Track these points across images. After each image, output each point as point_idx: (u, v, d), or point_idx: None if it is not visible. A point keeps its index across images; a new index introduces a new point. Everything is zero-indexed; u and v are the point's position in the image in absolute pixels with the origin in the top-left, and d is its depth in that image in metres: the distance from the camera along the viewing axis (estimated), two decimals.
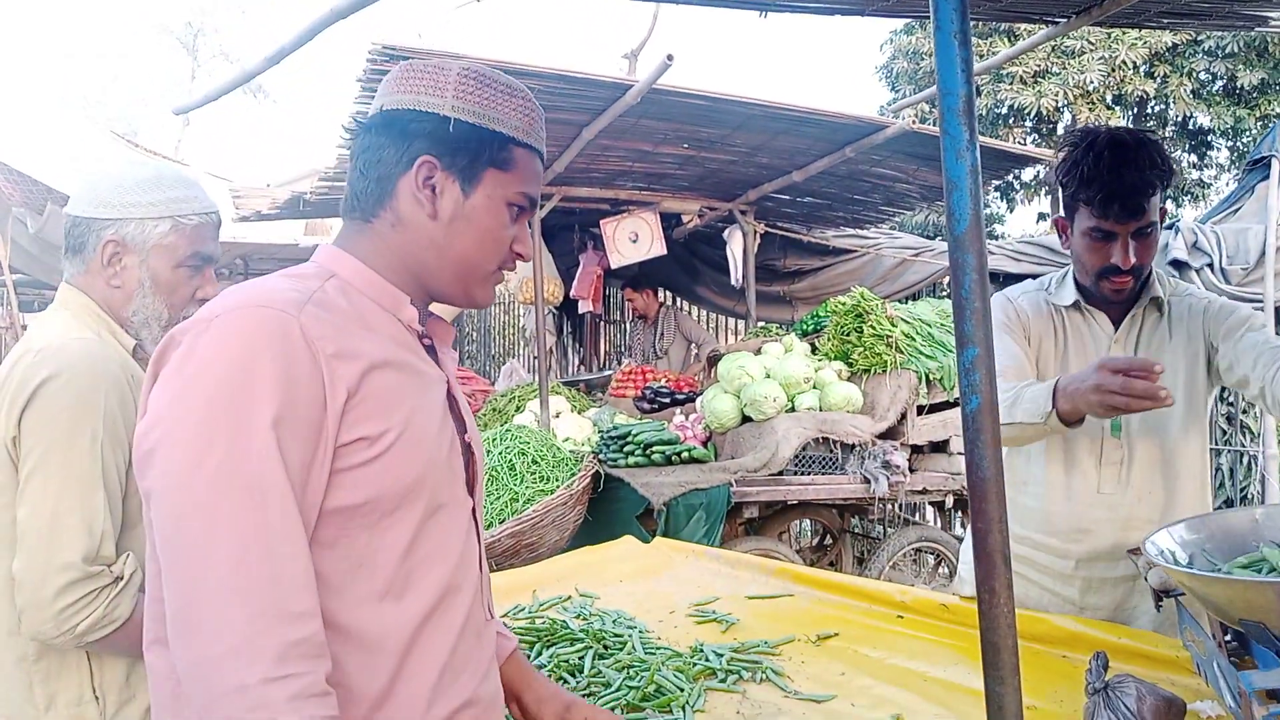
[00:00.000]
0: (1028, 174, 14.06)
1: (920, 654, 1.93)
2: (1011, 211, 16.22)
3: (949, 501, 5.12)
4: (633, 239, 6.75)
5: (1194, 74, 12.65)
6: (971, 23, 1.13)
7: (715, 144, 5.76)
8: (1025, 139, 13.85)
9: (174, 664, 0.98)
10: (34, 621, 1.41)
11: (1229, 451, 5.71)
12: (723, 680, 1.79)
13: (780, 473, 4.62)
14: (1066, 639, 1.90)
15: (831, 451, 4.78)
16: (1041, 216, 16.09)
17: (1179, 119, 13.62)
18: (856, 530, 5.61)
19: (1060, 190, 1.99)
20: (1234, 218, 5.90)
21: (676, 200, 6.94)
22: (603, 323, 9.86)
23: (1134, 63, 12.21)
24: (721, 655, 1.89)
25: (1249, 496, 5.62)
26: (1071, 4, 2.68)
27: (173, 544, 0.97)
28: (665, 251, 6.84)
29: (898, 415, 4.85)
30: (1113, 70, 12.24)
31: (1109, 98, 12.85)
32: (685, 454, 4.84)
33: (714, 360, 5.65)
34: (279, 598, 0.96)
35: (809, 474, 4.72)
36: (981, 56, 8.47)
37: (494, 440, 4.70)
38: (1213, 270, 5.52)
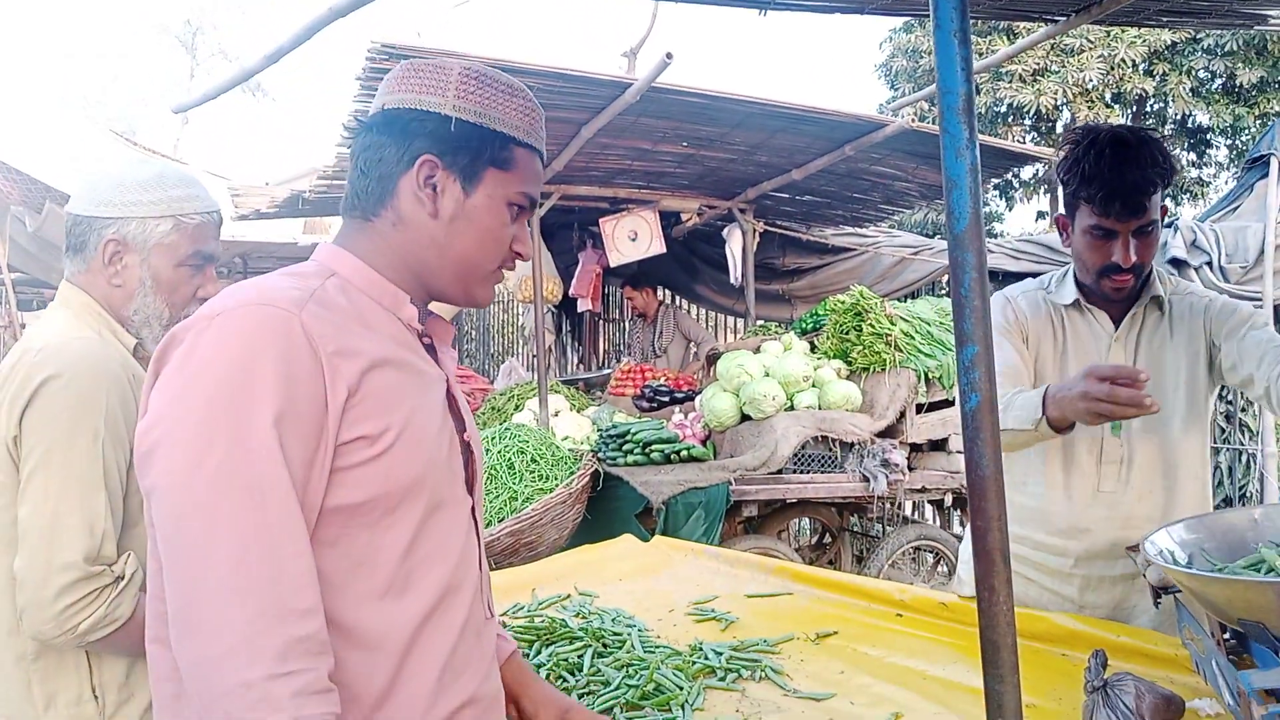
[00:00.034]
0: (1027, 172, 14.07)
1: (919, 652, 1.93)
2: (1011, 210, 16.25)
3: (948, 500, 5.13)
4: (632, 237, 6.75)
5: (1193, 72, 12.66)
6: (971, 21, 1.13)
7: (714, 142, 5.75)
8: (1024, 137, 13.87)
9: (176, 662, 0.98)
10: (35, 621, 1.41)
11: (1228, 450, 5.71)
12: (722, 679, 1.79)
13: (779, 471, 4.62)
14: (1066, 637, 1.90)
15: (830, 450, 4.78)
16: (1041, 215, 16.11)
17: (1178, 117, 13.63)
18: (855, 529, 5.61)
19: (1061, 188, 1.99)
20: (1233, 216, 5.90)
21: (675, 199, 6.93)
22: (602, 321, 9.86)
23: (1133, 61, 12.22)
24: (721, 654, 1.89)
25: (1248, 494, 5.62)
26: (1071, 2, 2.68)
27: (173, 543, 0.97)
28: (664, 250, 6.83)
29: (897, 414, 4.85)
30: (1112, 68, 12.25)
31: (1108, 96, 12.86)
32: (684, 452, 4.85)
33: (713, 359, 5.65)
34: (280, 596, 0.96)
35: (808, 472, 4.72)
36: (981, 55, 8.47)
37: (493, 439, 4.70)
38: (1211, 268, 5.53)
